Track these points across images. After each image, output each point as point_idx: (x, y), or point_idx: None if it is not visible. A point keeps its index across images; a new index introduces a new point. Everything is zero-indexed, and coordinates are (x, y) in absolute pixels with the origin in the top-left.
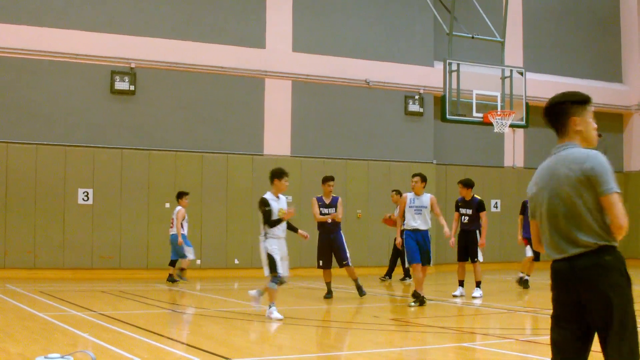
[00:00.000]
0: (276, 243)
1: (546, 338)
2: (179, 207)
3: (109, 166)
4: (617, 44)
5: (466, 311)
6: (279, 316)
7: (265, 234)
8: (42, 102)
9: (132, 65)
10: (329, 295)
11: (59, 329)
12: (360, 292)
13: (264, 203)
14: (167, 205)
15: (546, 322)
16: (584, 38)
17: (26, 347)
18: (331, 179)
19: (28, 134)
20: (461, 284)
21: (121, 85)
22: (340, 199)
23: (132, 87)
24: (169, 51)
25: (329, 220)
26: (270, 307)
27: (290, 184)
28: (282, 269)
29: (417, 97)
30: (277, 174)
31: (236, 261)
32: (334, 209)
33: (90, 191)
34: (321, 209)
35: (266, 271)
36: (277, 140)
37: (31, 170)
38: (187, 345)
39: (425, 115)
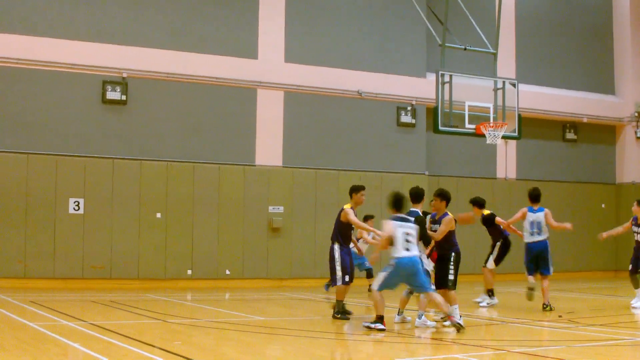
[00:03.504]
0: None
1: (538, 350)
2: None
3: (100, 176)
4: (610, 55)
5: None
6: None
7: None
8: (33, 111)
9: (124, 75)
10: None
11: (50, 339)
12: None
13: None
14: (159, 215)
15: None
16: (577, 50)
17: (16, 357)
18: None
19: (19, 143)
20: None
21: (113, 95)
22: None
23: (123, 97)
24: (160, 61)
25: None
26: (421, 317)
27: (281, 194)
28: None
29: (409, 108)
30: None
31: (227, 272)
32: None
33: (81, 201)
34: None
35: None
36: (269, 150)
37: (22, 179)
38: (178, 355)
39: (418, 127)
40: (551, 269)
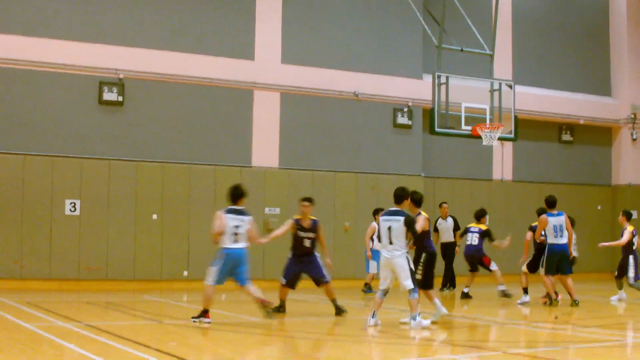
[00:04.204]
0: None
1: (535, 351)
2: (373, 223)
3: (96, 177)
4: (607, 57)
5: (454, 324)
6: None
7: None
8: (29, 112)
9: (121, 76)
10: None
11: (45, 340)
12: (340, 310)
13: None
14: (155, 216)
15: (535, 335)
16: (573, 51)
17: (12, 357)
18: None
19: (15, 144)
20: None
21: (109, 96)
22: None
23: (120, 98)
24: (157, 62)
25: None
26: (415, 318)
27: (278, 196)
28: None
29: (405, 109)
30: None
31: None
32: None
33: (77, 202)
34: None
35: (410, 284)
36: (265, 152)
37: (18, 180)
38: (174, 356)
39: (414, 128)
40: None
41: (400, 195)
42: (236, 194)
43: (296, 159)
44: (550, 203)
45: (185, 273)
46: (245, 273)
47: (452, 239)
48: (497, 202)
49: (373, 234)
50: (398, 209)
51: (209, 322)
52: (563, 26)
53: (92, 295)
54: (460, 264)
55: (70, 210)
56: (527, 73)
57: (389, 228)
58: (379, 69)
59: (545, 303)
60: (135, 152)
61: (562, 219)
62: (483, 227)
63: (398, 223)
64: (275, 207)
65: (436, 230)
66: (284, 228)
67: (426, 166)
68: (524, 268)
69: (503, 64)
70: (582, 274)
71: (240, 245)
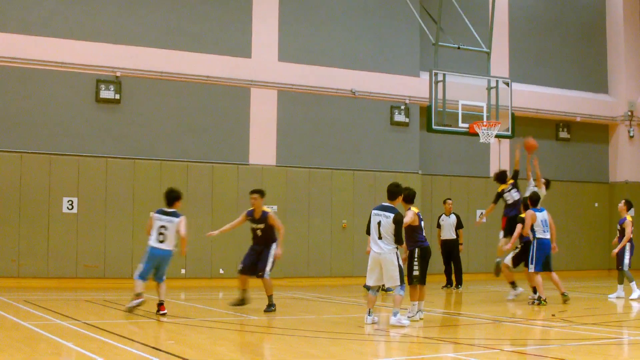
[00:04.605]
0: None
1: (532, 348)
2: None
3: (93, 175)
4: (603, 54)
5: (451, 321)
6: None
7: (397, 247)
8: (27, 110)
9: (118, 74)
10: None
11: (43, 338)
12: (269, 308)
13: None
14: (152, 214)
15: (532, 332)
16: (570, 49)
17: (10, 356)
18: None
19: (12, 142)
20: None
21: (106, 94)
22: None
23: (117, 96)
24: (154, 60)
25: None
26: (396, 314)
27: (275, 193)
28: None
29: (403, 107)
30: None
31: (221, 271)
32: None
33: (75, 200)
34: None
35: (397, 281)
36: (262, 149)
37: (16, 178)
38: (171, 354)
39: (411, 126)
40: None
41: (394, 191)
42: (169, 197)
43: (293, 157)
44: (534, 201)
45: (183, 271)
46: (164, 272)
47: (454, 236)
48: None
49: None
50: (390, 204)
51: (138, 303)
52: (560, 23)
53: (89, 293)
54: (468, 261)
55: (67, 208)
56: (524, 70)
57: (379, 223)
58: (376, 67)
59: (532, 303)
60: (132, 150)
61: (545, 214)
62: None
63: (387, 219)
64: (273, 205)
65: (438, 226)
66: (236, 221)
67: (423, 164)
68: (508, 261)
69: (500, 62)
70: (579, 271)
71: (165, 246)
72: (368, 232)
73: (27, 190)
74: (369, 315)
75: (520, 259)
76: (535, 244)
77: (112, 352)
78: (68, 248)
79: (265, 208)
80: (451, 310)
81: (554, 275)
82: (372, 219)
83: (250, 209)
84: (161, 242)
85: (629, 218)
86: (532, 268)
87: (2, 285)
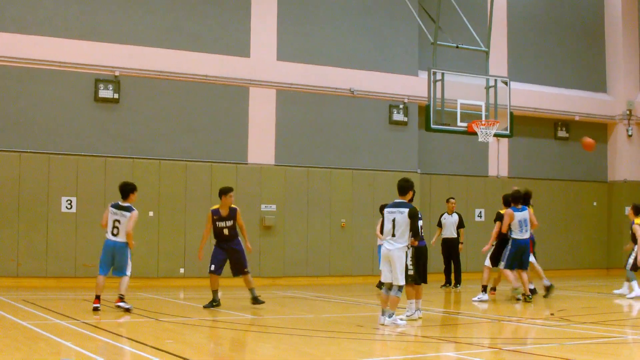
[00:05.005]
0: None
1: (531, 347)
2: None
3: (92, 174)
4: (602, 54)
5: (450, 320)
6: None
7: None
8: (25, 109)
9: (116, 74)
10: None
11: (42, 338)
12: (257, 301)
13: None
14: (151, 214)
15: (531, 332)
16: (569, 48)
17: (9, 355)
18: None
19: (11, 141)
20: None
21: (105, 93)
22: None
23: (116, 95)
24: (153, 59)
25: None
26: (391, 316)
27: (274, 192)
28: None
29: (401, 106)
30: (225, 191)
31: (181, 270)
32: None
33: (73, 199)
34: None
35: (399, 281)
36: (261, 149)
37: (14, 178)
38: (170, 354)
39: (410, 125)
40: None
41: (405, 186)
42: (123, 190)
43: (292, 156)
44: (516, 198)
45: (182, 270)
46: (122, 265)
47: (455, 235)
48: (493, 199)
49: None
50: (403, 200)
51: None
52: (558, 22)
53: (88, 293)
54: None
55: (66, 207)
56: (522, 70)
57: (394, 220)
58: (375, 66)
59: (519, 299)
60: (131, 149)
61: (526, 214)
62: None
63: (402, 215)
64: (272, 204)
65: (440, 224)
66: (207, 227)
67: (422, 163)
68: (488, 262)
69: (498, 61)
70: (578, 270)
71: (118, 238)
72: (382, 232)
73: (25, 189)
74: (382, 314)
75: (497, 257)
76: (510, 243)
77: (112, 352)
78: (67, 247)
79: (233, 205)
80: (450, 309)
81: (524, 274)
82: (385, 218)
83: (214, 208)
84: (115, 235)
85: (637, 221)
86: (502, 265)
87: (1, 285)
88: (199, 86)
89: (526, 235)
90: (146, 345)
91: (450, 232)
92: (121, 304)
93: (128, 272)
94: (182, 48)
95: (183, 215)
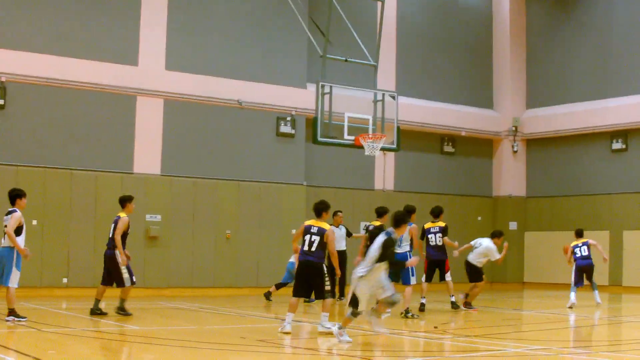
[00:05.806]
0: None
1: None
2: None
3: None
4: (490, 71)
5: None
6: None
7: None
8: None
9: (3, 79)
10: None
11: None
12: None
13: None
14: (35, 222)
15: (413, 344)
16: (457, 64)
17: None
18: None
19: None
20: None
21: None
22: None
23: (1, 102)
24: (40, 66)
25: None
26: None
27: (159, 203)
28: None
29: (289, 118)
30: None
31: (64, 280)
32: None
33: None
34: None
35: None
36: (147, 158)
37: None
38: None
39: (297, 137)
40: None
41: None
42: (10, 196)
43: (178, 166)
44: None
45: (65, 280)
46: (6, 272)
47: (343, 248)
48: None
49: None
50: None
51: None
52: (447, 39)
53: None
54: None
55: None
56: (410, 84)
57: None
58: (263, 78)
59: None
60: (16, 157)
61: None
62: (442, 223)
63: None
64: (157, 214)
65: None
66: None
67: (308, 175)
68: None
69: (387, 75)
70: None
71: (3, 244)
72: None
73: None
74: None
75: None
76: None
77: None
78: None
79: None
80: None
81: (408, 290)
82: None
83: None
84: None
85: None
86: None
87: None
88: (87, 94)
89: (405, 250)
90: (28, 355)
91: (338, 244)
92: (9, 317)
93: (10, 284)
94: (70, 55)
95: (67, 224)
